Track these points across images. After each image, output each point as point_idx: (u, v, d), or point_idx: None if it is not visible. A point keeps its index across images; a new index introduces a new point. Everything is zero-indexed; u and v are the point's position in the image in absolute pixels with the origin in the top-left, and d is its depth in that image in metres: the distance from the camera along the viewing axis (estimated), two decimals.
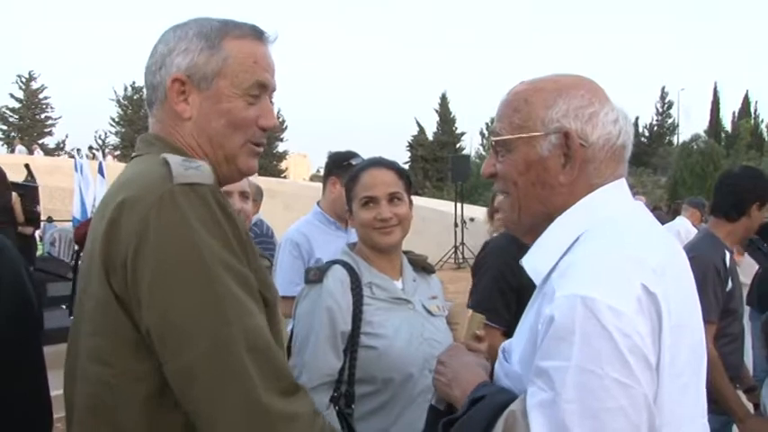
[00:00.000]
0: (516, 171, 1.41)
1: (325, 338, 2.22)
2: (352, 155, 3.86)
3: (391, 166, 2.45)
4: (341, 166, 3.81)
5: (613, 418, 1.15)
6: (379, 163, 2.45)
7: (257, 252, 1.50)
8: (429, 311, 2.41)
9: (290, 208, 8.83)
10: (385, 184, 2.36)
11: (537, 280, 1.38)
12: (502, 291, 2.96)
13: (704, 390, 1.35)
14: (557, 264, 1.32)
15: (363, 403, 2.24)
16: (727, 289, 3.25)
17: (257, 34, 1.53)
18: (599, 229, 1.32)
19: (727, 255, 3.32)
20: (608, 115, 1.38)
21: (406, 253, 2.52)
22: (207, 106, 1.47)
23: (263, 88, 1.51)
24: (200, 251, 1.27)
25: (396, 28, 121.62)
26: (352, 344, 2.25)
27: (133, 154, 1.54)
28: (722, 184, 3.49)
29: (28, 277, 1.58)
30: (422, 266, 2.56)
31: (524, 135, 1.39)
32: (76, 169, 10.98)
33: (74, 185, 10.93)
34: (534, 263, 1.39)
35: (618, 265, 1.23)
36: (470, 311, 2.52)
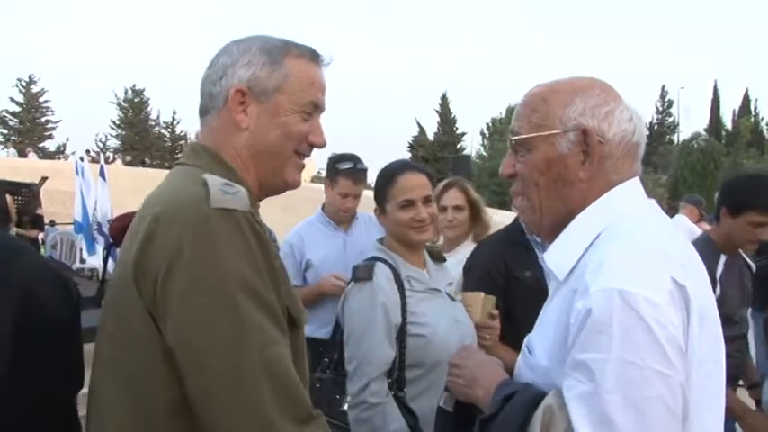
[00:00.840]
0: (537, 171, 1.46)
1: (382, 332, 2.43)
2: (345, 158, 4.00)
3: (423, 170, 2.69)
4: (331, 169, 4.01)
5: (654, 407, 1.19)
6: (413, 167, 2.70)
7: (287, 273, 1.55)
8: (451, 297, 2.67)
9: (289, 210, 8.74)
10: (421, 188, 2.60)
11: (560, 275, 1.42)
12: (490, 288, 2.99)
13: (723, 377, 1.39)
14: (579, 259, 1.38)
15: (414, 386, 2.48)
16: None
17: (315, 56, 1.62)
18: (621, 226, 1.37)
19: (721, 260, 3.29)
20: (623, 113, 1.44)
21: None
22: (264, 118, 1.54)
23: (316, 108, 1.60)
24: (228, 277, 1.31)
25: (396, 28, 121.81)
26: (401, 334, 2.47)
27: (180, 160, 1.61)
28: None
29: (62, 283, 1.57)
30: (437, 257, 2.80)
31: (544, 133, 1.44)
32: (77, 172, 10.99)
33: (75, 189, 10.94)
34: (557, 259, 1.44)
35: (649, 259, 1.28)
36: (482, 294, 2.79)
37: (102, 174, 11.29)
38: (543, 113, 1.45)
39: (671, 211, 7.77)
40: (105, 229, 11.03)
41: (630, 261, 1.28)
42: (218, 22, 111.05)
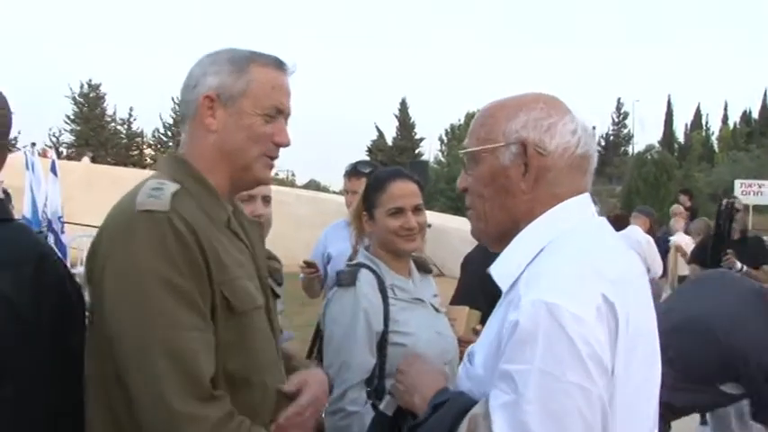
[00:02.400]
0: (482, 182, 1.49)
1: (362, 339, 2.40)
2: (354, 163, 4.33)
3: (413, 178, 2.66)
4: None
5: (572, 419, 1.22)
6: (403, 175, 2.65)
7: (244, 260, 1.72)
8: (435, 308, 2.65)
9: None
10: (411, 196, 2.57)
11: (503, 287, 1.44)
12: (484, 290, 3.01)
13: (656, 394, 1.42)
14: (522, 272, 1.39)
15: None
16: None
17: (279, 64, 1.77)
18: (562, 241, 1.39)
19: None
20: (566, 125, 1.46)
21: None
22: (231, 122, 1.70)
23: (280, 111, 1.74)
24: (139, 270, 1.50)
25: (356, 30, 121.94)
26: (382, 342, 2.43)
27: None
28: None
29: (72, 285, 1.68)
30: (423, 267, 2.75)
31: (488, 147, 1.48)
32: (28, 167, 10.70)
33: (24, 184, 10.65)
34: (501, 271, 1.46)
35: (580, 275, 1.30)
36: (467, 308, 2.80)
37: (53, 169, 11.03)
38: (489, 128, 1.49)
39: (620, 221, 7.91)
40: (55, 226, 10.77)
41: (562, 275, 1.31)
42: (177, 20, 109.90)
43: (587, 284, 1.28)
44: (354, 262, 2.63)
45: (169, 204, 1.57)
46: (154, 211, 1.55)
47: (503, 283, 1.44)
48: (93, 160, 35.82)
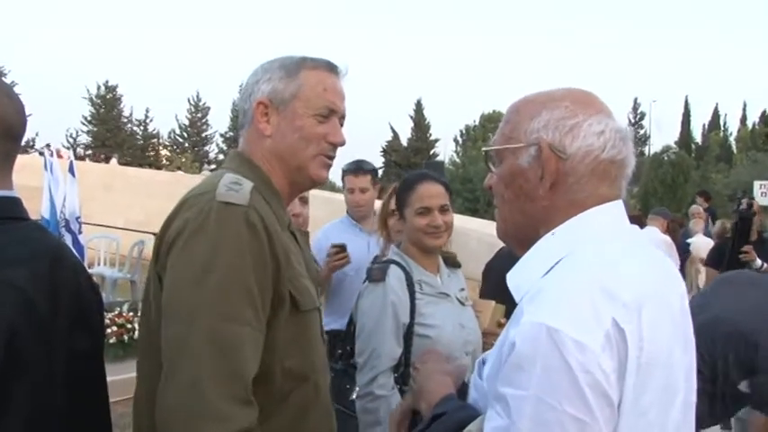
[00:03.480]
0: (503, 183, 1.41)
1: (390, 330, 2.64)
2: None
3: (440, 180, 2.88)
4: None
5: None
6: (431, 177, 2.88)
7: (302, 261, 1.77)
8: (461, 302, 2.85)
9: None
10: (438, 197, 2.79)
11: (517, 298, 1.34)
12: (505, 293, 3.01)
13: (677, 428, 1.29)
14: (536, 284, 1.29)
15: None
16: None
17: (329, 67, 1.82)
18: (579, 255, 1.28)
19: None
20: (591, 126, 1.34)
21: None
22: (284, 125, 1.76)
23: (333, 112, 1.78)
24: (207, 255, 1.53)
25: (371, 31, 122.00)
26: (408, 333, 2.67)
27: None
28: None
29: (88, 285, 1.68)
30: (452, 262, 2.98)
31: (510, 146, 1.39)
32: (46, 168, 10.75)
33: (43, 184, 10.72)
34: (516, 281, 1.37)
35: (589, 297, 1.18)
36: (493, 302, 2.98)
37: (71, 170, 11.08)
38: (513, 125, 1.40)
39: (635, 223, 7.86)
40: (73, 226, 10.83)
41: (568, 296, 1.20)
42: (193, 22, 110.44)
43: (596, 308, 1.17)
44: (385, 258, 2.90)
45: (248, 199, 1.61)
46: (234, 203, 1.59)
47: (516, 294, 1.35)
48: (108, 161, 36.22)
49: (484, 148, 1.48)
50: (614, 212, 1.36)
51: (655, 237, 7.50)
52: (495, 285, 3.10)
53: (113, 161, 33.00)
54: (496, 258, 3.48)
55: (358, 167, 4.30)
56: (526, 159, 1.36)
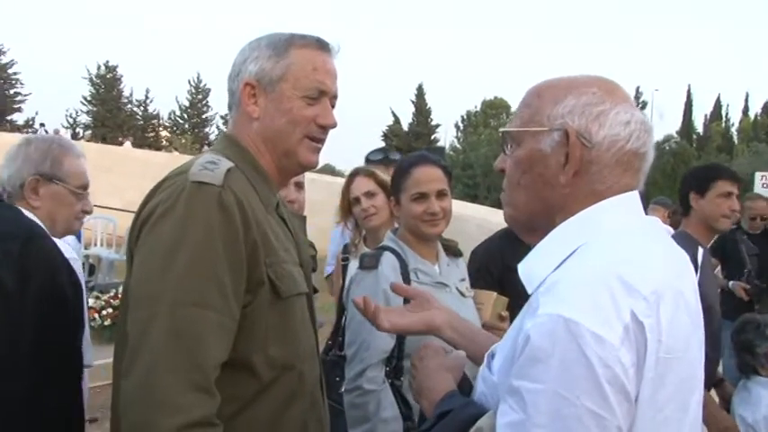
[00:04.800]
0: (521, 168, 1.35)
1: None
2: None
3: (438, 163, 2.66)
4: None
5: None
6: (428, 160, 2.66)
7: (290, 247, 1.72)
8: (461, 293, 2.65)
9: None
10: (435, 181, 2.58)
11: (529, 289, 1.29)
12: (486, 281, 3.00)
13: (694, 423, 1.26)
14: (549, 275, 1.25)
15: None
16: None
17: (320, 44, 1.74)
18: (596, 245, 1.24)
19: (700, 251, 3.37)
20: (618, 115, 1.29)
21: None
22: (271, 107, 1.69)
23: (323, 93, 1.71)
24: (176, 240, 1.47)
25: (373, 16, 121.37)
26: None
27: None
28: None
29: (65, 267, 1.63)
30: (452, 251, 2.78)
31: (531, 129, 1.33)
32: None
33: None
34: (528, 271, 1.32)
35: (608, 288, 1.15)
36: (495, 294, 2.81)
37: None
38: (534, 109, 1.34)
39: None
40: None
41: (587, 288, 1.16)
42: (194, 3, 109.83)
43: (615, 300, 1.13)
44: (380, 245, 2.68)
45: (222, 179, 1.55)
46: (206, 183, 1.53)
47: (528, 285, 1.29)
48: (106, 141, 36.06)
49: (502, 129, 1.41)
50: (632, 203, 1.32)
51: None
52: (474, 273, 3.05)
53: (127, 144, 32.83)
54: (481, 245, 3.39)
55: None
56: (549, 144, 1.31)
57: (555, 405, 1.11)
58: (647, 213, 1.37)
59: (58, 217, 2.15)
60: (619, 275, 1.16)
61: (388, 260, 2.53)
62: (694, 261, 3.32)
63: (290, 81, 1.67)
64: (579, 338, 1.10)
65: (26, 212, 1.96)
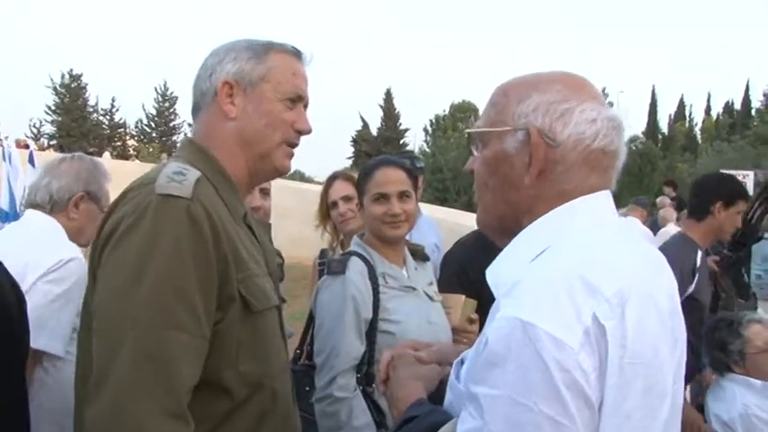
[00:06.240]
0: (487, 170, 1.31)
1: (351, 326, 2.40)
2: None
3: (402, 165, 2.63)
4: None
5: None
6: (391, 162, 2.65)
7: (259, 258, 1.66)
8: (430, 297, 2.62)
9: None
10: (396, 183, 2.55)
11: (496, 293, 1.23)
12: (462, 285, 2.95)
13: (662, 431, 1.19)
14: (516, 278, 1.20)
15: None
16: (689, 290, 3.41)
17: (296, 52, 1.75)
18: (563, 247, 1.19)
19: (699, 254, 3.50)
20: (584, 113, 1.24)
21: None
22: (251, 108, 1.65)
23: (300, 98, 1.71)
24: (143, 259, 1.40)
25: (341, 20, 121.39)
26: (371, 329, 2.44)
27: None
28: (692, 186, 3.83)
29: (6, 280, 1.64)
30: (420, 256, 2.75)
31: (495, 129, 1.29)
32: (5, 158, 10.47)
33: (2, 175, 10.45)
34: (495, 276, 1.27)
35: (569, 289, 1.10)
36: (463, 297, 2.77)
37: (31, 160, 10.82)
38: (500, 108, 1.30)
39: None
40: None
41: (546, 289, 1.11)
42: (159, 10, 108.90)
43: (575, 302, 1.08)
44: (347, 250, 2.63)
45: (191, 192, 1.48)
46: (174, 196, 1.46)
47: (495, 289, 1.24)
48: (92, 153, 35.72)
49: (467, 130, 1.37)
50: (602, 203, 1.27)
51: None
52: (451, 276, 3.04)
53: (106, 154, 32.45)
54: (456, 247, 3.36)
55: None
56: (513, 144, 1.26)
57: (512, 411, 1.07)
58: (625, 214, 1.32)
59: (87, 231, 2.49)
60: (581, 276, 1.11)
61: (355, 265, 2.48)
62: (693, 264, 3.45)
63: (271, 83, 1.66)
64: (536, 342, 1.06)
65: (53, 221, 2.41)
